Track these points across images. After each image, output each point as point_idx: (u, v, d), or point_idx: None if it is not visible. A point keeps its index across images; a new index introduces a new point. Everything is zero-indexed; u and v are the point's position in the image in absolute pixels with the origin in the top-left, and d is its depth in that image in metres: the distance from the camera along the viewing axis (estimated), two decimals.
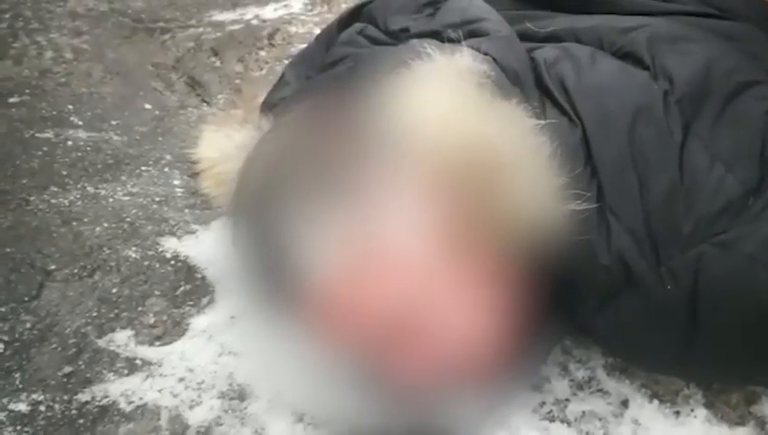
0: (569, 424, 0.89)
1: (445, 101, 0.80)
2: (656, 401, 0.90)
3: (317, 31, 1.62)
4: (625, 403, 0.91)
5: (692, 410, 0.89)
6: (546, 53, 0.92)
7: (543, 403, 0.91)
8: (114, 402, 0.90)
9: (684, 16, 0.97)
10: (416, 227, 0.77)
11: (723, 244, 0.78)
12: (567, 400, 0.91)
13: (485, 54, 0.87)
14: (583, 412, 0.90)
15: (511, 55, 0.90)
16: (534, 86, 0.89)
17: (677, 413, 0.89)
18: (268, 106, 1.04)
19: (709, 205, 0.79)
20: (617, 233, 0.80)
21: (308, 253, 0.77)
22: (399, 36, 0.97)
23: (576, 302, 0.84)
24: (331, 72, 0.97)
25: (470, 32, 0.92)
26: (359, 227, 0.77)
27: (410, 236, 0.78)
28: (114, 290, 1.05)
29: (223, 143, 1.02)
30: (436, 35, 0.93)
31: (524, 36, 0.97)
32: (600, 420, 0.89)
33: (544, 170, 0.79)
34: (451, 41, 0.90)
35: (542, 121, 0.82)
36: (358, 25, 1.03)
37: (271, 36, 1.67)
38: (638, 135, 0.82)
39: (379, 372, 0.80)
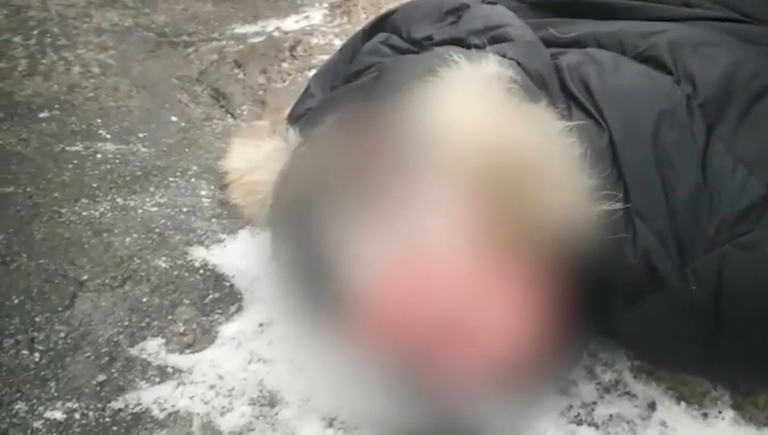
0: (596, 427, 0.89)
1: (475, 107, 0.82)
2: (683, 404, 0.91)
3: (338, 42, 1.65)
4: (652, 406, 0.91)
5: (720, 412, 0.89)
6: (569, 58, 0.93)
7: (571, 407, 0.91)
8: (147, 410, 0.92)
9: (706, 21, 0.98)
10: (453, 231, 0.79)
11: (746, 244, 0.79)
12: (594, 403, 0.92)
13: (511, 59, 0.89)
14: (610, 415, 0.90)
15: (536, 59, 0.91)
16: (560, 90, 0.90)
17: (705, 415, 0.89)
18: (294, 118, 1.06)
19: (732, 206, 0.80)
20: (643, 234, 0.81)
21: (350, 260, 0.78)
22: (423, 44, 0.98)
23: (603, 302, 0.85)
24: (356, 82, 0.99)
25: (493, 38, 0.94)
26: (398, 233, 0.78)
27: (448, 240, 0.79)
28: (145, 299, 1.08)
29: (251, 154, 1.04)
30: (460, 42, 0.94)
31: (548, 42, 0.98)
32: (627, 422, 0.89)
33: (575, 172, 0.80)
34: (476, 47, 0.92)
35: (571, 123, 0.83)
36: (381, 35, 1.04)
37: (293, 48, 1.69)
38: (662, 138, 0.83)
39: (419, 375, 0.81)
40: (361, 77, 0.99)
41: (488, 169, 0.78)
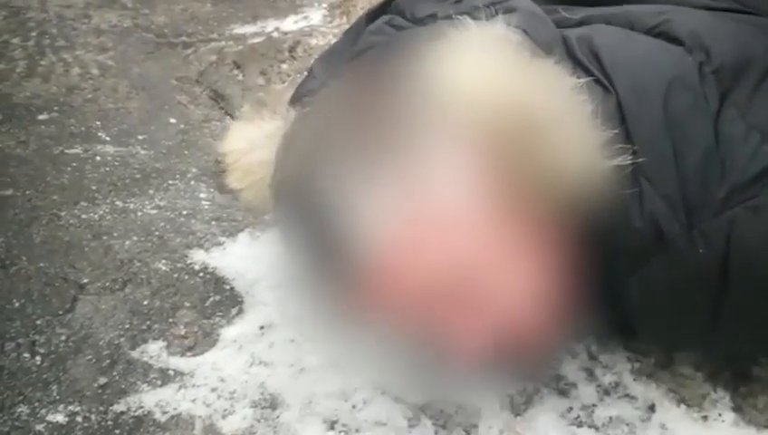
0: (596, 429, 0.90)
1: (485, 63, 0.81)
2: (683, 406, 0.91)
3: None
4: (652, 408, 0.91)
5: (719, 414, 0.90)
6: (578, 30, 0.93)
7: (571, 408, 0.92)
8: (149, 413, 0.92)
9: (713, 11, 0.97)
10: (465, 189, 0.78)
11: (755, 208, 0.79)
12: (594, 405, 0.92)
13: (516, 27, 0.87)
14: (610, 417, 0.91)
15: (542, 29, 0.91)
16: (567, 57, 0.89)
17: (705, 418, 0.90)
18: (296, 98, 1.04)
19: (744, 172, 0.80)
20: (650, 197, 0.81)
21: (360, 220, 0.77)
22: (426, 22, 0.97)
23: (608, 264, 0.84)
24: (360, 58, 0.97)
25: (499, 10, 0.93)
26: (408, 191, 0.77)
27: (460, 198, 0.78)
28: (145, 302, 1.08)
29: (251, 133, 1.00)
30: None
31: (557, 23, 0.97)
32: (627, 425, 0.90)
33: (586, 127, 0.79)
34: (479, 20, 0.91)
35: (582, 80, 0.83)
36: (385, 17, 1.02)
37: (292, 49, 1.69)
38: (673, 103, 0.82)
39: (432, 334, 0.80)
40: (365, 55, 0.98)
41: (499, 125, 0.77)
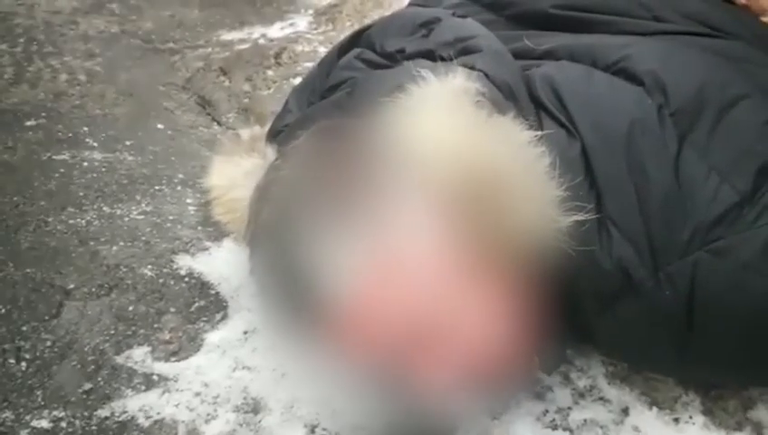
0: (571, 432, 0.92)
1: (443, 122, 0.84)
2: (655, 409, 0.93)
3: (322, 49, 1.68)
4: (625, 411, 0.94)
5: (690, 417, 0.92)
6: (541, 69, 0.95)
7: (546, 411, 0.94)
8: (133, 418, 0.94)
9: (677, 36, 1.00)
10: (427, 242, 0.82)
11: (718, 251, 0.81)
12: (569, 408, 0.94)
13: (479, 71, 0.91)
14: (585, 420, 0.93)
15: (503, 69, 0.93)
16: (529, 100, 0.92)
17: (676, 420, 0.92)
18: (273, 134, 1.08)
19: (705, 213, 0.82)
20: (617, 241, 0.83)
21: (329, 270, 0.81)
22: (395, 57, 1.01)
23: (577, 308, 0.87)
24: (330, 98, 1.01)
25: (463, 49, 0.96)
26: (374, 244, 0.81)
27: (423, 251, 0.82)
28: (131, 308, 1.09)
29: (231, 171, 1.06)
30: (430, 54, 0.97)
31: (521, 53, 1.00)
32: (601, 427, 0.92)
33: (545, 182, 0.82)
34: (443, 59, 0.94)
35: (540, 133, 0.85)
36: (356, 50, 1.07)
37: (278, 55, 1.71)
38: (635, 146, 0.85)
39: (398, 379, 0.84)
40: (336, 92, 1.01)
41: (458, 182, 0.80)
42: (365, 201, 0.81)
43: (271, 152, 0.99)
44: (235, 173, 1.05)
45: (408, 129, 0.83)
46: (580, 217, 0.81)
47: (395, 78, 0.91)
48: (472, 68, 0.91)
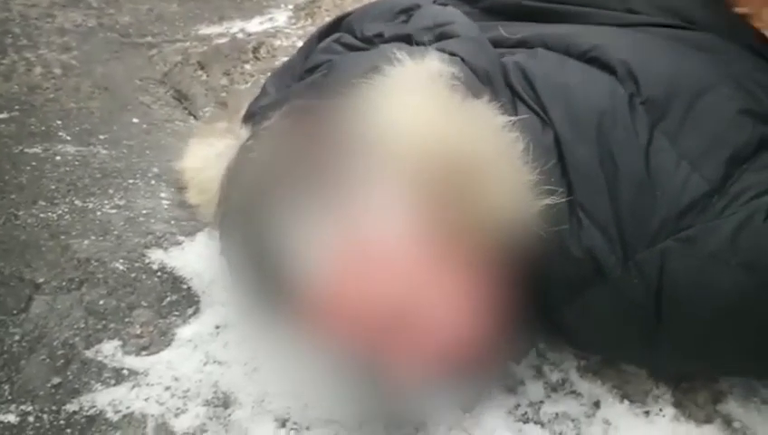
0: (542, 425, 0.92)
1: (417, 104, 0.84)
2: (626, 402, 0.93)
3: (301, 44, 1.66)
4: (597, 404, 0.94)
5: (661, 410, 0.92)
6: (515, 57, 0.95)
7: (518, 405, 0.94)
8: (102, 412, 0.93)
9: (650, 27, 1.00)
10: (400, 226, 0.81)
11: (686, 240, 0.81)
12: (541, 401, 0.94)
13: (455, 56, 0.90)
14: (556, 414, 0.93)
15: (481, 55, 0.93)
16: (505, 86, 0.92)
17: (647, 413, 0.92)
18: (249, 116, 1.07)
19: (675, 202, 0.82)
20: (587, 229, 0.83)
21: (299, 254, 0.80)
22: (373, 41, 1.00)
23: (546, 293, 0.87)
24: (306, 79, 1.00)
25: (441, 34, 0.96)
26: (345, 227, 0.80)
27: (395, 235, 0.81)
28: (101, 302, 1.08)
29: (205, 152, 1.04)
30: (408, 39, 0.97)
31: (496, 42, 1.00)
32: (572, 420, 0.92)
33: (518, 166, 0.82)
34: (420, 44, 0.93)
35: (514, 118, 0.85)
36: (335, 35, 1.06)
37: (256, 50, 1.70)
38: (605, 135, 0.85)
39: (369, 364, 0.83)
40: (314, 74, 1.00)
41: (430, 165, 0.79)
42: (336, 183, 0.80)
43: (245, 133, 0.97)
44: (208, 154, 1.03)
45: (381, 110, 0.82)
46: (551, 201, 0.81)
47: (370, 60, 0.91)
48: (449, 53, 0.91)
